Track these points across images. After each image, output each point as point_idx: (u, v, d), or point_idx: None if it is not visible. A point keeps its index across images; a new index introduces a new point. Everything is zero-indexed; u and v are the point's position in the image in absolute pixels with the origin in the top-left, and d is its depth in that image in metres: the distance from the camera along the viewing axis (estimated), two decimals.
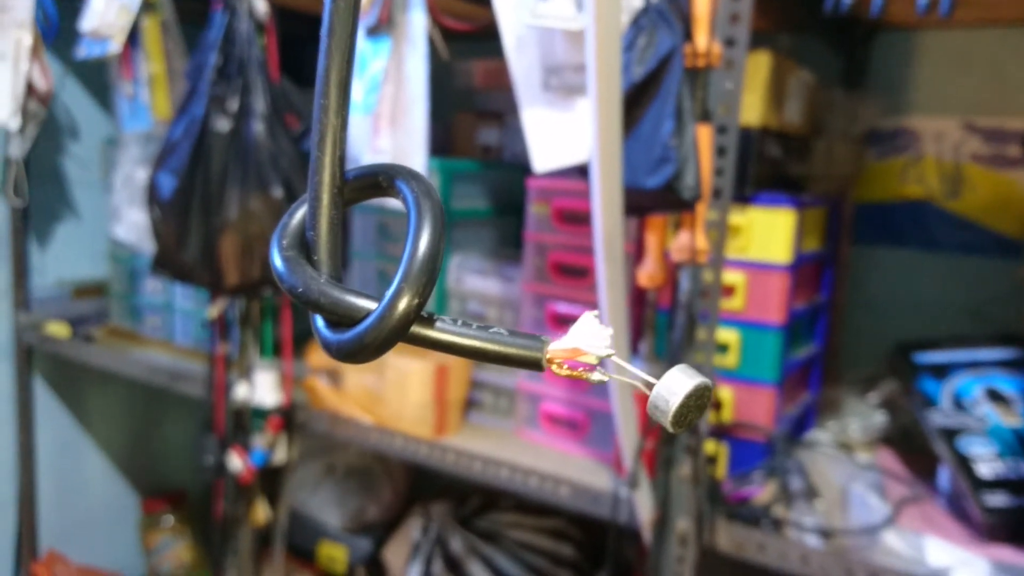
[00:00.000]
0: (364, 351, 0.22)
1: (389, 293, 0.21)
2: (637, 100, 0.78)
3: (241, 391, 1.19)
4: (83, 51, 1.23)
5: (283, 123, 1.09)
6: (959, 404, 1.00)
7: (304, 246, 0.24)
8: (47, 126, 1.47)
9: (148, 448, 1.79)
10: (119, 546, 1.75)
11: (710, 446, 0.97)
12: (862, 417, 1.13)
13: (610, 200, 0.72)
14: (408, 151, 1.02)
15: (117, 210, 1.35)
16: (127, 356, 1.38)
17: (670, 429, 0.22)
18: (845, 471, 1.03)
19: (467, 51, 1.48)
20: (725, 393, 1.02)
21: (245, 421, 1.21)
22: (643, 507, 0.91)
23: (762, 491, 0.96)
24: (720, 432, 1.01)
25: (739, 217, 0.99)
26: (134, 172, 1.31)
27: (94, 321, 1.53)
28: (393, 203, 0.96)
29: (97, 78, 1.54)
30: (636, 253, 0.96)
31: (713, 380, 0.91)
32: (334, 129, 0.23)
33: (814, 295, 1.18)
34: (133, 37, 1.20)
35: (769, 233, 0.99)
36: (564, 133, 0.90)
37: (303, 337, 1.30)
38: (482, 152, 1.48)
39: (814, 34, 1.28)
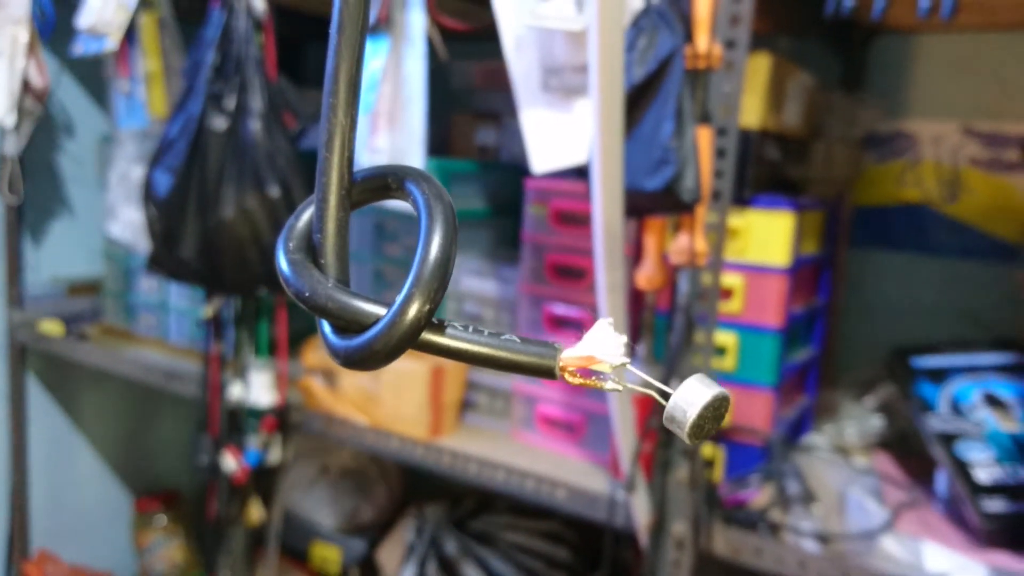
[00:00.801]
0: (373, 358, 0.21)
1: (399, 299, 0.21)
2: (637, 101, 0.77)
3: (236, 391, 1.19)
4: (80, 48, 1.22)
5: (280, 122, 1.08)
6: (957, 409, 1.00)
7: (311, 249, 0.23)
8: (43, 123, 1.46)
9: (141, 447, 1.78)
10: (111, 546, 1.74)
11: (707, 449, 0.97)
12: (859, 421, 1.13)
13: (611, 202, 0.72)
14: (406, 151, 1.01)
15: (112, 208, 1.34)
16: (121, 355, 1.37)
17: (687, 441, 0.21)
18: (842, 475, 1.02)
19: (465, 51, 1.48)
20: None
21: (240, 421, 1.20)
22: (640, 511, 0.90)
23: (759, 495, 0.96)
24: (717, 435, 1.01)
25: (738, 220, 0.99)
26: (130, 170, 1.30)
27: (88, 319, 1.52)
28: (391, 203, 0.95)
29: (93, 75, 1.53)
30: (635, 255, 0.96)
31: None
32: (343, 129, 0.23)
33: (812, 298, 1.18)
34: (130, 34, 1.19)
35: (768, 236, 0.99)
36: (563, 134, 0.90)
37: (298, 337, 1.29)
38: (479, 153, 1.48)
39: (813, 37, 1.27)
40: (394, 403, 1.11)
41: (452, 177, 1.23)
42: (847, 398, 1.18)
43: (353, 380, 1.15)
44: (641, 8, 0.79)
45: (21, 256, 1.48)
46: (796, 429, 1.13)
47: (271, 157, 1.06)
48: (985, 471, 0.91)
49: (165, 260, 1.10)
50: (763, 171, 1.04)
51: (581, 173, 0.97)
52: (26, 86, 1.27)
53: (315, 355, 1.20)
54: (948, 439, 0.96)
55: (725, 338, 1.01)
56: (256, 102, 1.06)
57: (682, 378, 0.82)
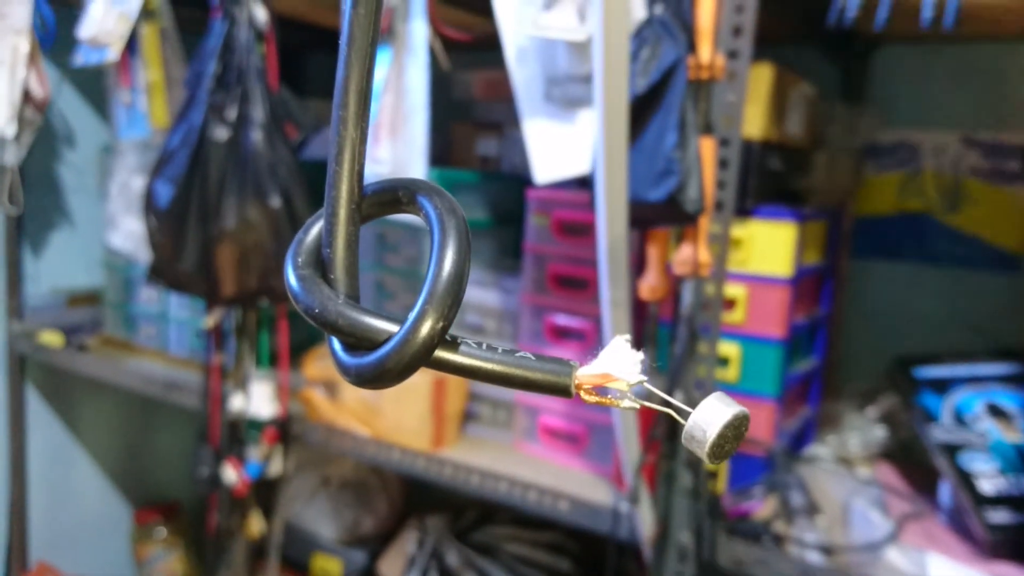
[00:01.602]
0: (385, 376, 0.21)
1: (412, 315, 0.20)
2: (640, 112, 0.77)
3: (237, 402, 1.18)
4: (81, 58, 1.22)
5: (282, 132, 1.08)
6: (960, 419, 0.99)
7: (320, 264, 0.23)
8: (43, 133, 1.46)
9: (141, 459, 1.77)
10: (110, 557, 1.73)
11: None
12: (862, 432, 1.13)
13: (615, 213, 0.72)
14: (408, 161, 1.01)
15: (113, 218, 1.34)
16: (121, 366, 1.37)
17: (707, 461, 0.21)
18: (846, 486, 1.02)
19: (465, 62, 1.48)
20: None
21: (240, 433, 1.20)
22: (644, 522, 0.90)
23: (762, 506, 0.95)
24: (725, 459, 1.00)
25: (740, 230, 0.99)
26: (130, 180, 1.30)
27: (88, 330, 1.52)
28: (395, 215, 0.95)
29: (94, 86, 1.53)
30: (638, 266, 0.95)
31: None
32: (353, 142, 0.22)
33: (814, 308, 1.18)
34: (131, 45, 1.19)
35: (770, 246, 0.98)
36: (565, 144, 0.90)
37: (300, 348, 1.29)
38: (481, 163, 1.48)
39: (815, 47, 1.28)
40: (396, 414, 1.11)
41: (453, 187, 1.23)
42: (850, 409, 1.18)
43: (354, 391, 1.15)
44: (644, 18, 0.80)
45: (21, 267, 1.48)
46: (799, 440, 1.13)
47: (272, 167, 1.06)
48: (989, 482, 0.90)
49: (166, 271, 1.09)
50: (765, 181, 1.04)
51: (583, 183, 0.97)
52: (27, 96, 1.27)
53: (316, 366, 1.19)
54: (951, 450, 0.95)
55: (728, 349, 1.01)
56: (258, 112, 1.06)
57: (685, 389, 0.81)
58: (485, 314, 1.19)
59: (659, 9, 0.79)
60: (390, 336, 0.21)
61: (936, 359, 1.09)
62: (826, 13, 0.91)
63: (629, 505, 0.89)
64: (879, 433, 1.12)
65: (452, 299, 0.20)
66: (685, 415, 0.21)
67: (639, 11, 0.80)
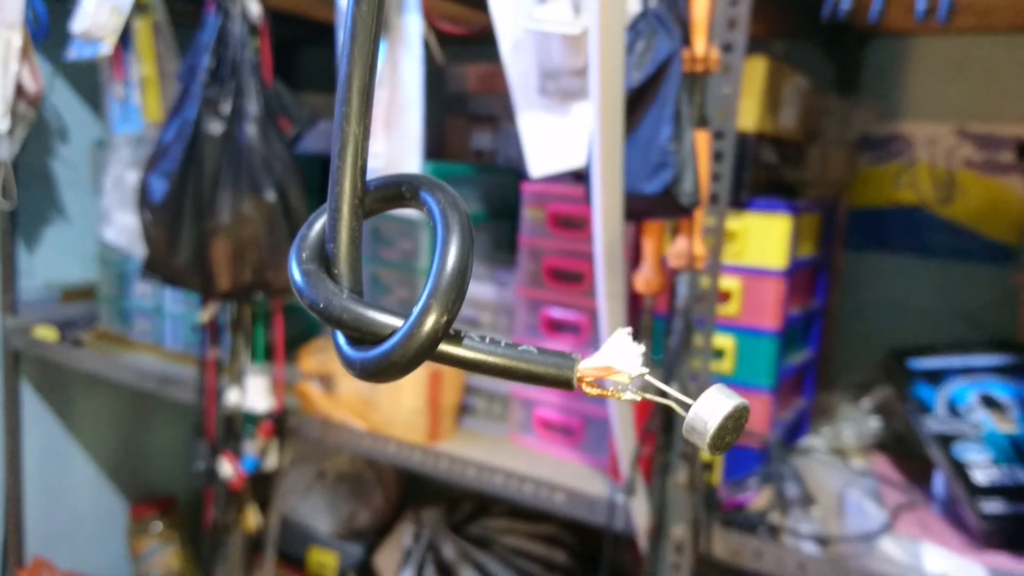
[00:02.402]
0: (390, 370, 0.21)
1: (417, 310, 0.20)
2: (635, 105, 0.77)
3: (232, 396, 1.18)
4: (74, 53, 1.21)
5: (276, 126, 1.08)
6: (954, 410, 1.00)
7: (323, 259, 0.23)
8: (36, 128, 1.46)
9: (137, 453, 1.77)
10: (106, 552, 1.73)
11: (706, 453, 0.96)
12: (856, 423, 1.13)
13: (611, 206, 0.72)
14: (403, 155, 1.01)
15: (107, 213, 1.34)
16: (116, 360, 1.37)
17: (707, 452, 0.21)
18: (840, 477, 1.02)
19: (460, 55, 1.48)
20: None
21: (236, 427, 1.20)
22: (639, 514, 0.90)
23: (758, 497, 0.96)
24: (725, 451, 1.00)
25: (735, 223, 0.99)
26: (124, 175, 1.30)
27: (83, 325, 1.52)
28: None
29: (87, 80, 1.53)
30: (633, 259, 0.96)
31: (708, 385, 0.91)
32: (356, 138, 0.22)
33: (809, 301, 1.18)
34: (125, 39, 1.19)
35: (765, 239, 0.99)
36: (560, 138, 0.90)
37: (295, 342, 1.29)
38: (475, 156, 1.48)
39: (808, 39, 1.28)
40: (391, 407, 1.11)
41: (448, 181, 1.22)
42: (844, 400, 1.19)
43: (350, 385, 1.15)
44: (639, 11, 0.80)
45: (15, 261, 1.47)
46: (794, 431, 1.13)
47: (267, 162, 1.05)
48: (983, 472, 0.91)
49: (161, 265, 1.09)
50: (760, 174, 1.04)
51: (578, 177, 0.97)
52: (19, 91, 1.26)
53: (312, 360, 1.20)
54: (945, 440, 0.96)
55: (723, 341, 1.01)
56: (252, 106, 1.05)
57: (681, 381, 0.82)
58: (480, 308, 1.19)
59: (654, 2, 0.79)
60: (395, 330, 0.21)
61: (930, 350, 1.09)
62: (820, 6, 0.91)
63: (625, 497, 0.90)
64: (873, 424, 1.12)
65: (456, 293, 0.20)
66: (686, 407, 0.22)
67: (634, 4, 0.80)
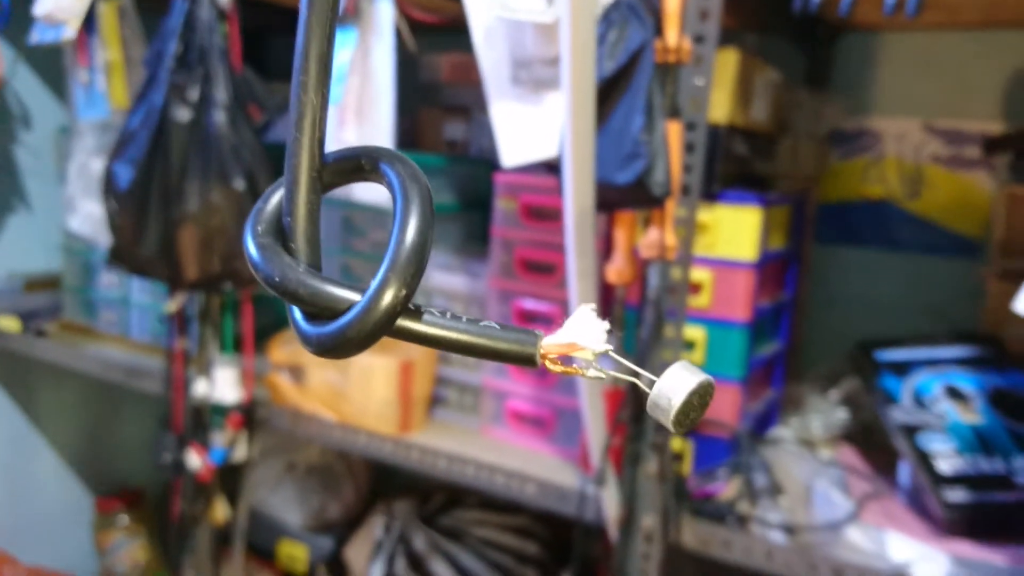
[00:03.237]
0: (346, 345, 0.20)
1: (374, 284, 0.20)
2: (608, 95, 0.77)
3: (200, 387, 1.17)
4: (36, 36, 1.19)
5: (245, 114, 1.06)
6: (919, 401, 1.01)
7: (280, 233, 0.22)
8: None
9: (103, 446, 1.75)
10: (72, 546, 1.70)
11: (676, 443, 0.97)
12: (824, 414, 1.14)
13: (582, 196, 0.72)
14: (374, 144, 1.00)
15: (71, 201, 1.31)
16: (81, 351, 1.34)
17: (671, 429, 0.21)
18: (808, 467, 1.03)
19: (433, 44, 1.47)
20: None
21: (204, 418, 1.18)
22: (609, 504, 0.91)
23: (727, 488, 0.97)
24: (689, 430, 1.01)
25: (706, 214, 0.99)
26: (89, 162, 1.27)
27: (47, 315, 1.49)
28: (360, 196, 0.94)
29: (51, 64, 1.50)
30: (605, 249, 0.96)
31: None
32: (313, 108, 0.22)
33: (778, 293, 1.19)
34: (89, 23, 1.16)
35: (735, 231, 0.99)
36: (533, 128, 0.90)
37: (264, 332, 1.28)
38: (448, 147, 1.47)
39: (779, 33, 1.28)
40: (362, 398, 1.10)
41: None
42: (813, 391, 1.20)
43: (321, 376, 1.14)
44: (611, 1, 0.79)
45: None
46: (763, 422, 1.14)
47: (236, 150, 1.04)
48: (946, 462, 0.93)
49: (127, 255, 1.07)
50: (731, 166, 1.04)
51: (551, 168, 0.97)
52: None
53: (282, 351, 1.18)
54: (911, 431, 0.97)
55: (694, 332, 1.01)
56: (220, 93, 1.04)
57: (652, 372, 0.82)
58: (452, 298, 1.19)
59: None
60: (352, 305, 0.20)
61: (897, 343, 1.11)
62: (792, 0, 0.91)
63: (595, 487, 0.90)
64: (841, 415, 1.13)
65: (415, 267, 0.20)
66: (651, 384, 0.21)
67: None
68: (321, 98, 0.22)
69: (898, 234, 1.28)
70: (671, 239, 0.83)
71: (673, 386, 0.21)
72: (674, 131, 0.79)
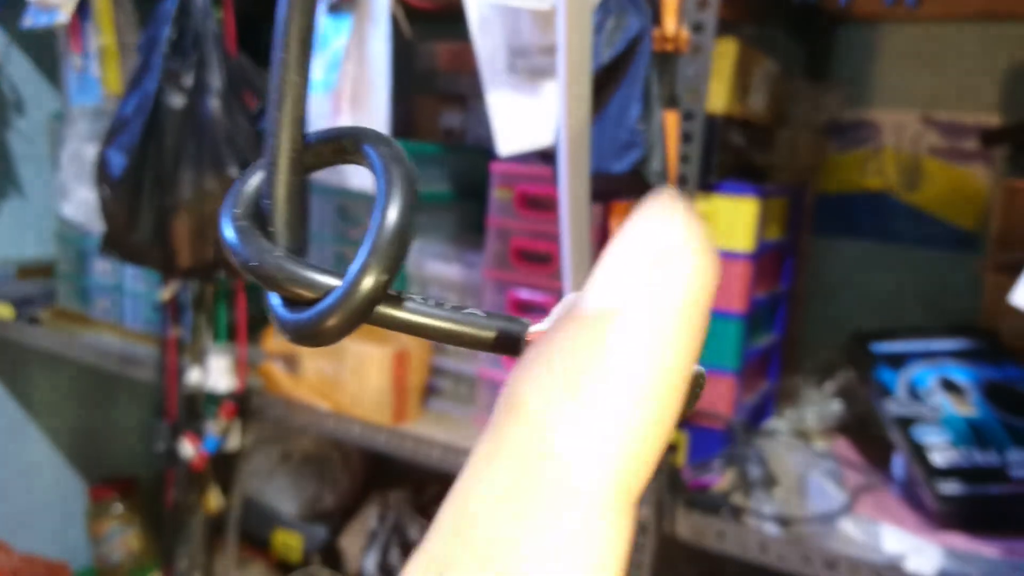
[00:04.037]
0: (325, 333, 0.19)
1: (354, 269, 0.19)
2: (604, 83, 0.77)
3: (194, 376, 1.16)
4: (29, 20, 1.18)
5: (240, 100, 1.05)
6: (914, 393, 1.01)
7: (259, 216, 0.22)
8: None
9: (97, 434, 1.74)
10: (66, 535, 1.70)
11: None
12: (819, 406, 1.14)
13: (577, 184, 0.71)
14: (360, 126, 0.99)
15: (64, 187, 1.30)
16: (75, 339, 1.34)
17: None
18: (803, 459, 1.03)
19: (431, 32, 1.46)
20: None
21: (198, 407, 1.18)
22: None
23: (721, 479, 0.97)
24: (680, 421, 1.01)
25: (702, 205, 0.99)
26: (83, 148, 1.26)
27: (40, 303, 1.48)
28: (354, 182, 0.93)
29: (44, 49, 1.48)
30: (601, 240, 0.95)
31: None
32: (294, 87, 0.21)
33: (775, 284, 1.19)
34: (83, 7, 1.15)
35: (732, 221, 0.99)
36: (529, 116, 0.89)
37: (258, 321, 1.27)
38: (444, 136, 1.46)
39: (778, 24, 1.28)
40: (356, 388, 1.10)
41: (416, 160, 1.21)
42: (808, 383, 1.20)
43: (314, 365, 1.13)
44: None
45: None
46: (758, 414, 1.14)
47: (231, 137, 1.03)
48: (941, 454, 0.92)
49: (119, 242, 1.07)
50: (728, 157, 1.04)
51: (546, 157, 0.97)
52: None
53: (276, 339, 1.18)
54: (905, 423, 0.97)
55: None
56: (215, 80, 1.03)
57: None
58: (448, 288, 1.18)
59: None
60: (331, 290, 0.19)
61: (893, 335, 1.11)
62: None
63: None
64: (836, 407, 1.13)
65: (396, 252, 0.19)
66: None
67: None
68: (302, 77, 0.21)
69: (895, 226, 1.28)
70: None
71: None
72: (671, 121, 0.78)
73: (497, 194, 1.09)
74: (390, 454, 1.08)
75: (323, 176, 1.06)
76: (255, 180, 0.22)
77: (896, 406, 1.00)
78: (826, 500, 0.92)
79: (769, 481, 0.95)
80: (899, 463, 0.99)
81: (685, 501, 0.91)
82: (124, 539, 1.66)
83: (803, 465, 1.01)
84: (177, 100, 1.02)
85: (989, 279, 1.11)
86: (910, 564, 0.81)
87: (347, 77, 1.00)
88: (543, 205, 1.06)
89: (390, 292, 0.20)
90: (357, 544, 1.43)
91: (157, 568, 1.65)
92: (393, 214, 0.19)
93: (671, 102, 0.79)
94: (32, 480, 1.64)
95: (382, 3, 0.96)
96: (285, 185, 0.21)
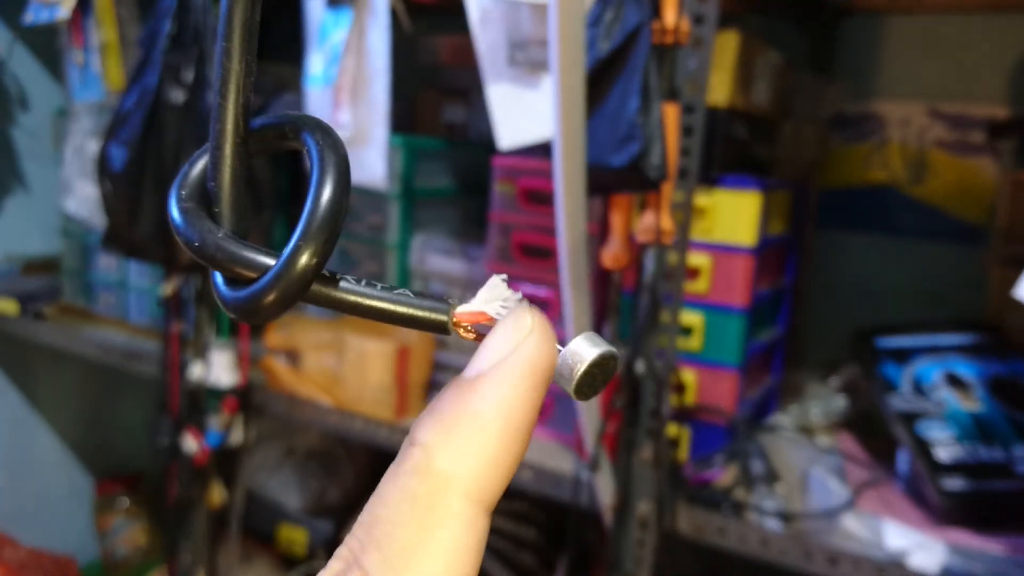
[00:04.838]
0: (262, 309, 0.21)
1: (288, 249, 0.20)
2: (603, 76, 0.76)
3: (196, 371, 1.16)
4: (31, 16, 1.18)
5: None
6: (919, 388, 1.01)
7: (206, 198, 0.23)
8: None
9: (102, 429, 1.75)
10: (72, 529, 1.71)
11: (672, 429, 0.96)
12: (823, 401, 1.14)
13: (573, 178, 0.71)
14: (369, 126, 0.99)
15: (68, 183, 1.31)
16: (79, 334, 1.34)
17: (573, 396, 0.22)
18: (806, 455, 1.03)
19: (433, 26, 1.45)
20: (688, 376, 1.01)
21: (200, 402, 1.18)
22: (604, 491, 0.90)
23: (723, 474, 0.96)
24: (682, 415, 1.00)
25: (704, 199, 0.98)
26: (85, 144, 1.27)
27: (45, 298, 1.49)
28: (355, 178, 0.93)
29: (48, 45, 1.49)
30: (600, 234, 0.95)
31: (675, 362, 0.91)
32: (237, 75, 0.22)
33: (778, 279, 1.18)
34: (84, 3, 1.15)
35: (734, 215, 0.98)
36: (530, 110, 0.89)
37: None
38: (447, 130, 1.45)
39: (781, 15, 1.27)
40: (358, 383, 1.10)
41: (418, 154, 1.21)
42: (812, 378, 1.19)
43: (316, 360, 1.13)
44: None
45: None
46: (761, 409, 1.13)
47: None
48: (945, 450, 0.92)
49: (121, 237, 1.07)
50: (730, 150, 1.03)
51: (547, 151, 0.96)
52: None
53: (278, 335, 1.18)
54: (910, 418, 0.96)
55: (691, 318, 1.00)
56: (215, 74, 1.02)
57: (647, 358, 0.81)
58: (450, 283, 1.18)
59: None
60: (268, 270, 0.21)
61: (897, 329, 1.10)
62: None
63: (590, 473, 0.89)
64: (840, 402, 1.13)
65: (328, 234, 0.20)
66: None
67: None
68: (244, 65, 0.22)
69: (900, 220, 1.27)
70: (667, 223, 0.82)
71: (576, 356, 0.22)
72: (671, 114, 0.78)
73: (499, 188, 1.09)
74: (391, 449, 1.08)
75: None
76: (201, 164, 0.23)
77: (900, 401, 0.99)
78: (829, 496, 0.92)
79: (771, 477, 0.94)
80: (903, 458, 0.98)
81: (686, 497, 0.90)
82: (130, 533, 1.67)
83: (806, 461, 1.01)
84: (177, 95, 1.02)
85: (995, 273, 1.10)
86: (913, 561, 0.81)
87: (347, 71, 0.99)
88: (546, 199, 1.05)
89: (325, 272, 0.21)
90: None
91: (162, 562, 1.66)
92: (325, 197, 0.20)
93: (671, 95, 0.79)
94: (38, 475, 1.65)
95: None
96: (229, 169, 0.22)
